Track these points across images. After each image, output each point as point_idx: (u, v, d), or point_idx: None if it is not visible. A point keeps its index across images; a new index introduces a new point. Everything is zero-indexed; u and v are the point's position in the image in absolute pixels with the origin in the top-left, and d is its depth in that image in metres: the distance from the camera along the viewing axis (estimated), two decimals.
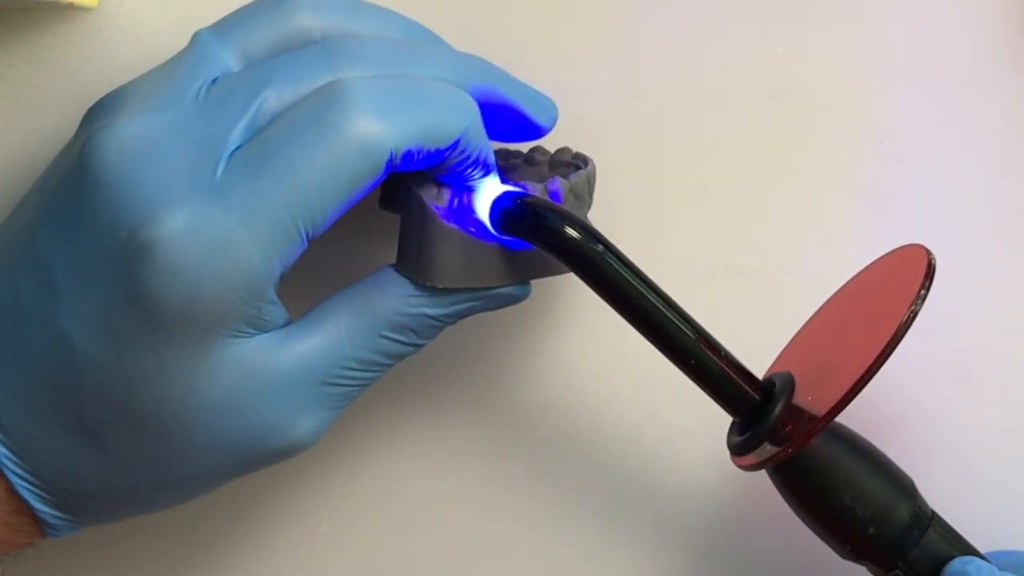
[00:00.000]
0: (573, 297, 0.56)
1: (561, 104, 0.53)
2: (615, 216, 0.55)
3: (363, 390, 0.49)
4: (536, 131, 0.51)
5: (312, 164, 0.45)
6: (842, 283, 0.54)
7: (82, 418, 0.47)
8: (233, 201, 0.45)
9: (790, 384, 0.49)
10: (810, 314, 0.53)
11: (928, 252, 0.47)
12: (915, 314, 0.46)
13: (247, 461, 0.48)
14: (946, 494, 0.54)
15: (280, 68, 0.47)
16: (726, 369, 0.48)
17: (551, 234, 0.48)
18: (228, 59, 0.48)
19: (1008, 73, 0.56)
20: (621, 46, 0.56)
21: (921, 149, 0.56)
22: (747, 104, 0.56)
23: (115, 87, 0.54)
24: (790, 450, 0.47)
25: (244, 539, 0.57)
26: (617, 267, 0.48)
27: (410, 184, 0.49)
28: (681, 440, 0.56)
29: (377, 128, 0.46)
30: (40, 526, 0.49)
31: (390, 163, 0.46)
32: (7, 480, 0.48)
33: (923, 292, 0.46)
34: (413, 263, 0.49)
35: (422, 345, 0.49)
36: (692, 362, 0.48)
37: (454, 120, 0.47)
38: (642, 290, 0.48)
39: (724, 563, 0.57)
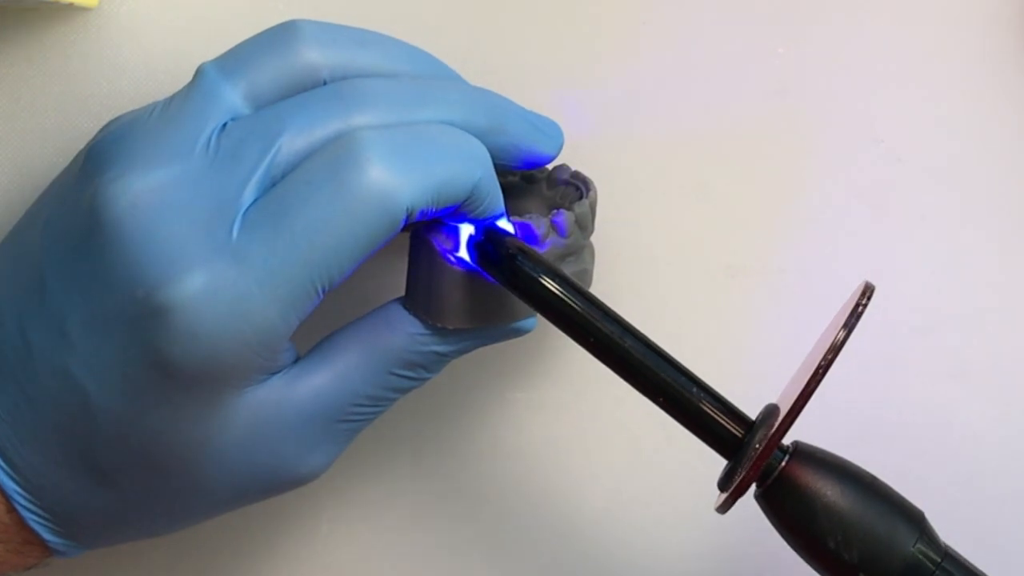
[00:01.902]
0: None
1: (562, 103, 0.53)
2: (616, 216, 0.55)
3: (370, 423, 0.49)
4: (541, 160, 0.51)
5: (330, 224, 0.45)
6: (842, 283, 0.54)
7: (96, 462, 0.47)
8: (251, 262, 0.45)
9: (770, 416, 0.47)
10: (810, 315, 0.52)
11: (863, 293, 0.46)
12: (833, 355, 0.44)
13: (257, 494, 0.49)
14: (945, 495, 0.54)
15: (291, 115, 0.46)
16: (707, 406, 0.47)
17: (525, 284, 0.47)
18: (235, 99, 0.47)
19: (1008, 73, 0.56)
20: (621, 46, 0.56)
21: (921, 149, 0.56)
22: (747, 104, 0.56)
23: (115, 87, 0.54)
24: (731, 494, 0.45)
25: (244, 539, 0.57)
26: (585, 310, 0.47)
27: (418, 227, 0.48)
28: (682, 440, 0.56)
29: (394, 186, 0.45)
30: (48, 552, 0.49)
31: (406, 219, 0.46)
32: (18, 514, 0.48)
33: (844, 334, 0.45)
34: (423, 304, 0.48)
35: (430, 378, 0.50)
36: (668, 401, 0.47)
37: (467, 173, 0.47)
38: (615, 332, 0.47)
39: (727, 563, 0.57)
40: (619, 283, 0.56)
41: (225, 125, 0.47)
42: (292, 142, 0.46)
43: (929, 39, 0.56)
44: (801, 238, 0.56)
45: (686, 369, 0.47)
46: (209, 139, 0.46)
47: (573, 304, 0.47)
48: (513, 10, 0.56)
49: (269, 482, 0.49)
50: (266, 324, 0.45)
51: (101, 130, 0.48)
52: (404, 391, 0.49)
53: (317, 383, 0.48)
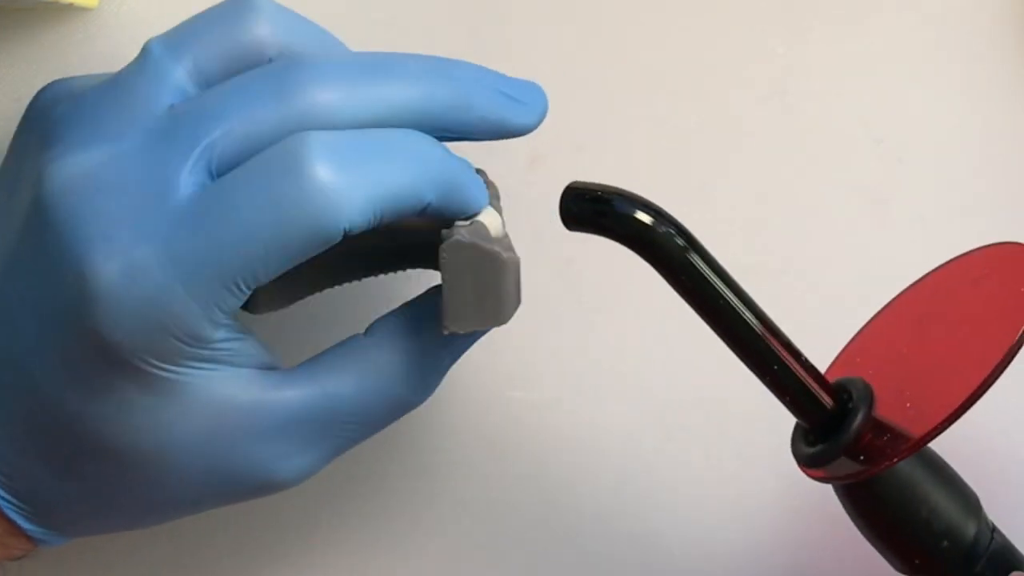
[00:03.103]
0: (573, 297, 0.56)
1: (561, 104, 0.53)
2: None
3: (358, 443, 0.49)
4: (517, 133, 0.48)
5: (261, 233, 0.43)
6: (842, 283, 0.54)
7: (57, 451, 0.47)
8: (174, 255, 0.44)
9: (869, 394, 0.47)
10: (811, 313, 0.52)
11: None
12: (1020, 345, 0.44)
13: (227, 495, 0.48)
14: None
15: (231, 99, 0.45)
16: (803, 374, 0.46)
17: (625, 226, 0.46)
18: (181, 76, 0.46)
19: (1008, 73, 0.56)
20: (621, 46, 0.56)
21: (921, 149, 0.56)
22: (747, 104, 0.56)
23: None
24: (878, 469, 0.45)
25: (244, 539, 0.57)
26: (701, 268, 0.45)
27: (451, 233, 0.46)
28: (681, 439, 0.56)
29: (333, 204, 0.43)
30: (31, 543, 0.49)
31: (344, 236, 0.44)
32: None
33: None
34: (478, 313, 0.46)
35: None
36: (771, 367, 0.46)
37: (417, 190, 0.45)
38: (726, 294, 0.45)
39: (727, 562, 0.57)
40: (620, 283, 0.55)
41: (171, 107, 0.46)
42: (230, 130, 0.45)
43: (929, 39, 0.56)
44: (801, 238, 0.56)
45: (786, 338, 0.46)
46: (148, 120, 0.46)
47: (693, 261, 0.45)
48: (512, 10, 0.56)
49: (238, 484, 0.48)
50: (188, 316, 0.45)
51: (44, 90, 0.48)
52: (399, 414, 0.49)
53: (301, 393, 0.47)
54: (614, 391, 0.56)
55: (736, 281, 0.45)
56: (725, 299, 0.45)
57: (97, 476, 0.47)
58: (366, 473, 0.57)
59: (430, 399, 0.56)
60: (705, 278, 0.45)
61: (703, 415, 0.53)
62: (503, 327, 0.56)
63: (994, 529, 0.49)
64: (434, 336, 0.47)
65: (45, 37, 0.55)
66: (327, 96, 0.45)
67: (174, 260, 0.44)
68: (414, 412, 0.56)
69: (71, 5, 0.53)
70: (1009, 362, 0.44)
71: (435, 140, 0.46)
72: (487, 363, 0.56)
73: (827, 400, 0.46)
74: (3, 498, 0.48)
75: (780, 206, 0.56)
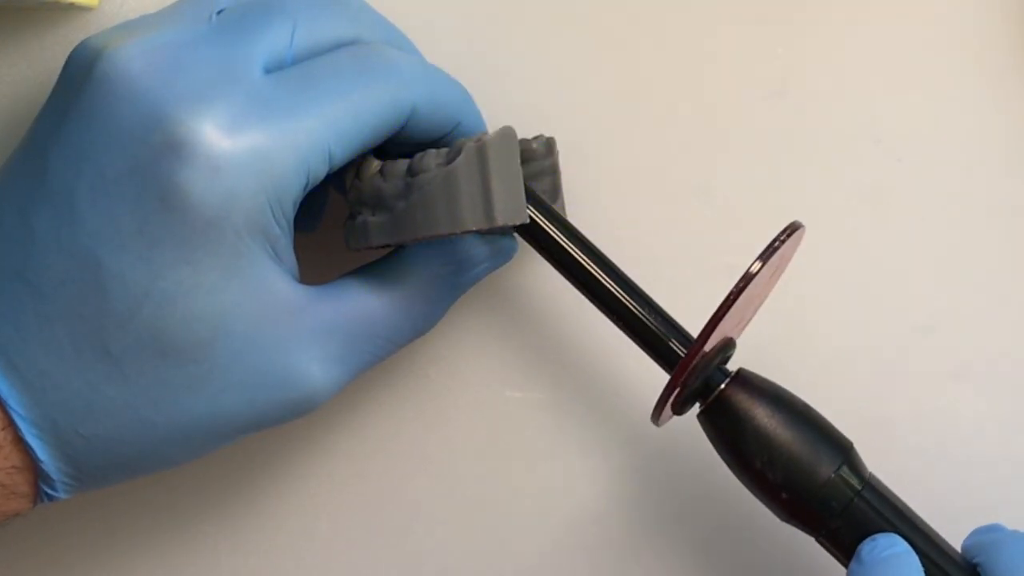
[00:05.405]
0: (574, 298, 0.56)
1: (561, 106, 0.53)
2: (616, 216, 0.55)
3: (381, 360, 0.50)
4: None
5: (351, 96, 0.47)
6: (842, 283, 0.54)
7: (106, 346, 0.46)
8: (275, 106, 0.46)
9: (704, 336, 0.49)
10: (810, 315, 0.52)
11: (785, 230, 0.48)
12: (744, 284, 0.47)
13: (261, 407, 0.48)
14: (946, 494, 0.54)
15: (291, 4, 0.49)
16: (653, 324, 0.50)
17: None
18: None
19: (1007, 73, 0.56)
20: (621, 47, 0.56)
21: (921, 149, 0.56)
22: (747, 104, 0.56)
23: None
24: (658, 401, 0.48)
25: (244, 538, 0.57)
26: (553, 228, 0.50)
27: (464, 142, 0.49)
28: (683, 439, 0.56)
29: (406, 86, 0.49)
30: (36, 488, 0.48)
31: (405, 121, 0.48)
32: (14, 429, 0.47)
33: (759, 265, 0.47)
34: (499, 209, 0.49)
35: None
36: (620, 316, 0.50)
37: (458, 100, 0.51)
38: (578, 250, 0.50)
39: (729, 561, 0.57)
40: None
41: (222, 11, 0.48)
42: (296, 25, 0.48)
43: (929, 39, 0.56)
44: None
45: (641, 291, 0.50)
46: (205, 19, 0.48)
47: (547, 223, 0.50)
48: (513, 9, 0.56)
49: (275, 390, 0.48)
50: (282, 170, 0.46)
51: (77, 47, 0.49)
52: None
53: (336, 306, 0.49)
54: (614, 391, 0.56)
55: (593, 244, 0.50)
56: (592, 269, 0.50)
57: (144, 376, 0.47)
58: (366, 472, 0.57)
59: (430, 398, 0.56)
60: (565, 244, 0.50)
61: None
62: (503, 328, 0.56)
63: (865, 487, 0.49)
64: (452, 265, 0.51)
65: (45, 37, 0.55)
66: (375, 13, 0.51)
67: (275, 111, 0.46)
68: (414, 411, 0.56)
69: (71, 5, 0.53)
70: (722, 313, 0.47)
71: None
72: (487, 363, 0.56)
73: (678, 348, 0.50)
74: (27, 419, 0.47)
75: (780, 206, 0.56)
